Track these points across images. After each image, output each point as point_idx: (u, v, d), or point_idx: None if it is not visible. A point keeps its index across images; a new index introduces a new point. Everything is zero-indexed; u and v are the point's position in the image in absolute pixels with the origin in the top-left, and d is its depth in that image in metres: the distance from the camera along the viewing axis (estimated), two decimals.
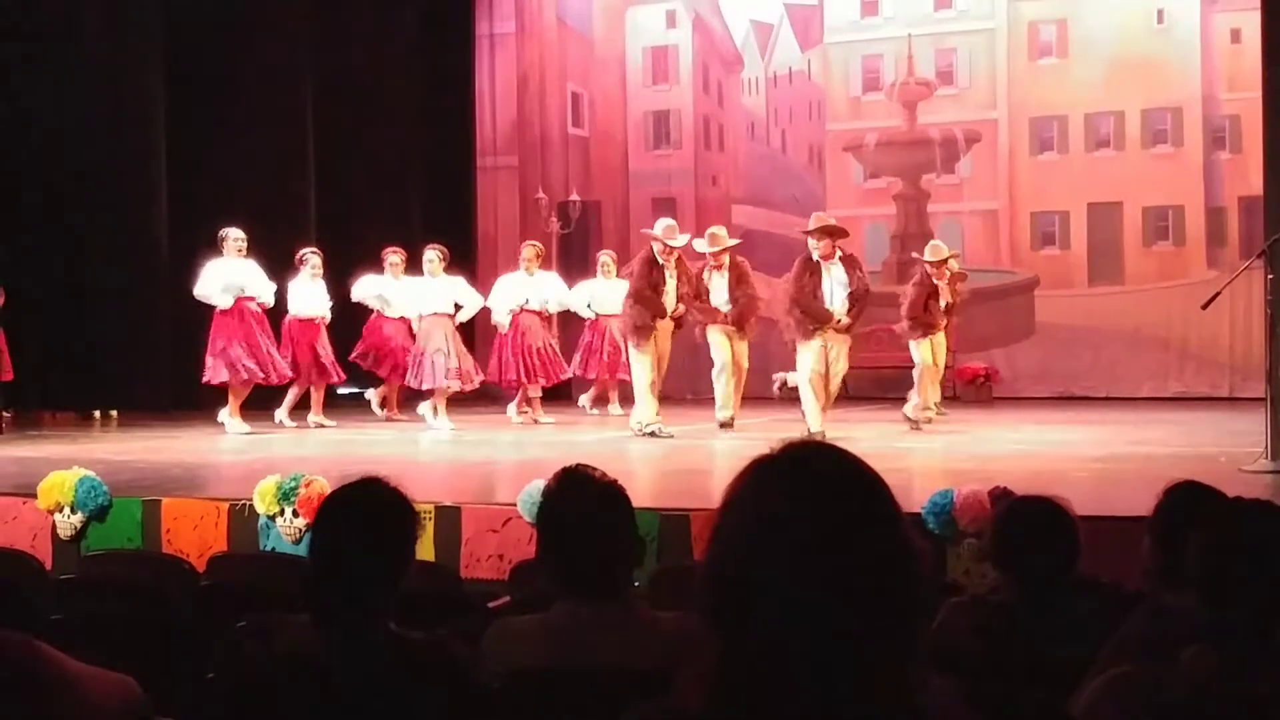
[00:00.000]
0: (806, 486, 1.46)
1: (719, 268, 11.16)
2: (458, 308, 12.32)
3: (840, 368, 10.52)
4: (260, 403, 12.00)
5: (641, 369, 10.87)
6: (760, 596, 1.43)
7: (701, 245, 11.30)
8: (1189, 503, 3.27)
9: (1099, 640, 2.95)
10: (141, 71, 13.71)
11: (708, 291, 11.13)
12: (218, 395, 11.70)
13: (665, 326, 10.94)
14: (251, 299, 11.51)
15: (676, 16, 17.60)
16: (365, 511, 2.92)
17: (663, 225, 11.06)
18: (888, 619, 1.43)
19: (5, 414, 13.12)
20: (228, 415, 11.44)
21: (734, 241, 11.48)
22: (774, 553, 1.43)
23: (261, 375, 11.51)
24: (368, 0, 15.71)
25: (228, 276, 11.41)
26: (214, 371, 11.41)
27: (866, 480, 1.49)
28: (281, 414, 12.10)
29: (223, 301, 11.37)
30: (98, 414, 13.45)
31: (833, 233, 10.48)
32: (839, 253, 10.43)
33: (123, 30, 13.68)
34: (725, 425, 11.05)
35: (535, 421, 12.53)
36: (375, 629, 2.83)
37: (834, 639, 1.41)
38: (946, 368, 12.68)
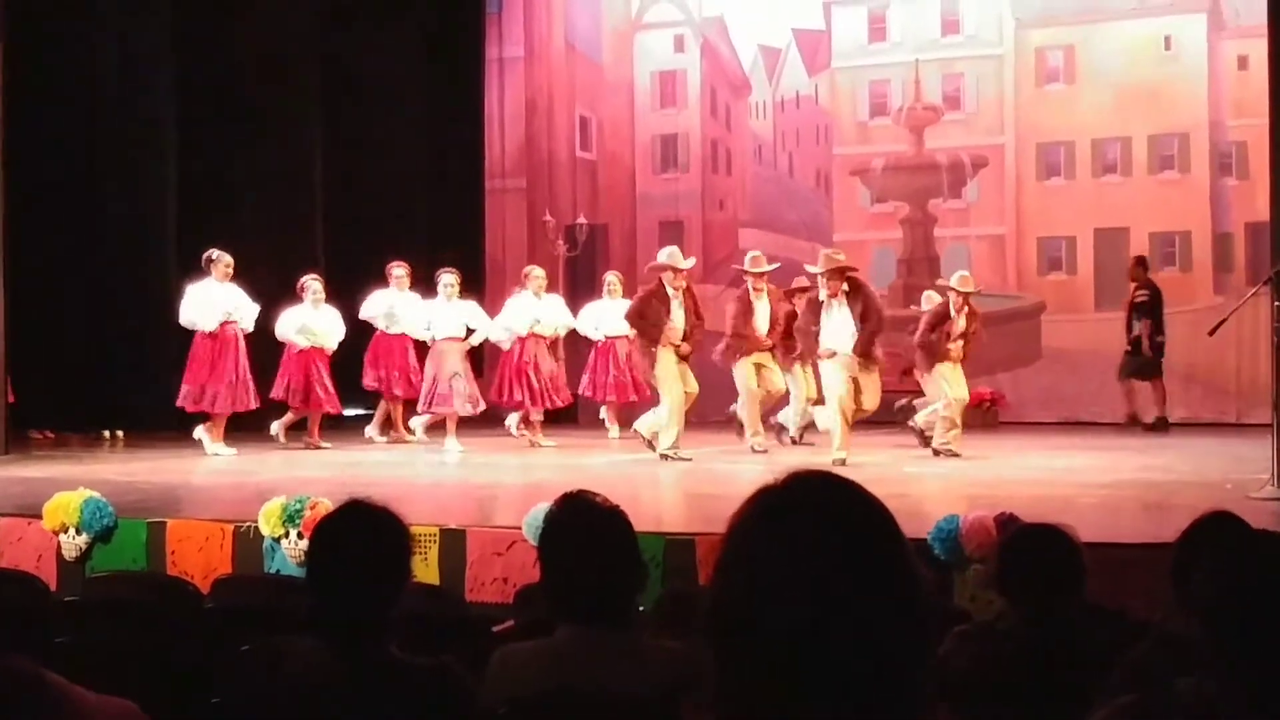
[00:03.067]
0: (809, 515, 1.46)
1: (759, 292, 11.36)
2: (469, 331, 12.35)
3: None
4: (257, 422, 12.05)
5: (662, 392, 10.85)
6: (764, 624, 1.43)
7: (748, 265, 11.53)
8: (1210, 533, 3.24)
9: (1105, 668, 2.94)
10: (152, 99, 13.78)
11: (748, 317, 11.22)
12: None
13: (667, 353, 10.85)
14: (234, 323, 11.54)
15: (685, 41, 17.63)
16: (356, 534, 2.94)
17: (668, 252, 11.10)
18: (892, 646, 1.43)
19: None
20: (204, 433, 11.47)
21: (773, 265, 11.69)
22: (777, 581, 1.43)
23: (235, 403, 11.52)
24: (377, 23, 15.76)
25: (213, 302, 11.45)
26: (189, 400, 11.48)
27: (869, 509, 1.49)
28: (277, 429, 12.10)
29: (207, 324, 11.39)
30: (107, 434, 13.44)
31: (841, 272, 10.44)
32: (844, 287, 10.40)
33: (133, 64, 13.79)
34: (760, 450, 11.14)
35: (535, 445, 12.36)
36: (378, 651, 2.83)
37: (838, 666, 1.41)
38: None
